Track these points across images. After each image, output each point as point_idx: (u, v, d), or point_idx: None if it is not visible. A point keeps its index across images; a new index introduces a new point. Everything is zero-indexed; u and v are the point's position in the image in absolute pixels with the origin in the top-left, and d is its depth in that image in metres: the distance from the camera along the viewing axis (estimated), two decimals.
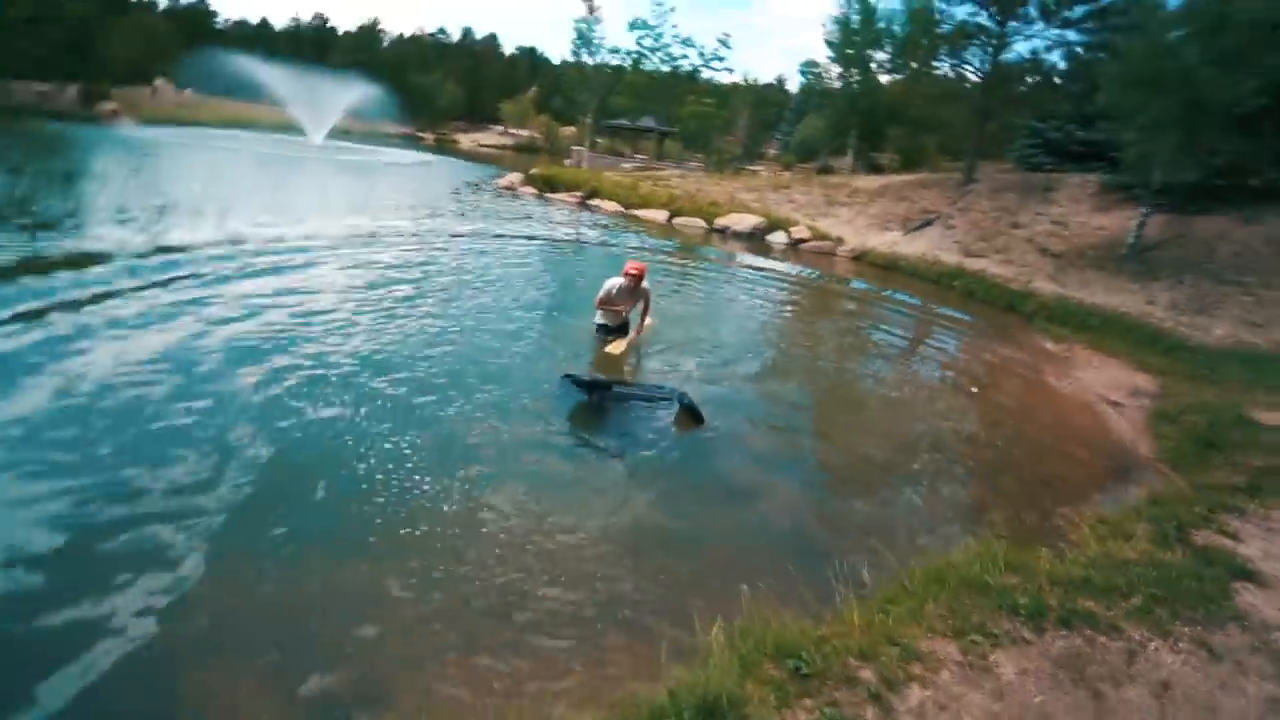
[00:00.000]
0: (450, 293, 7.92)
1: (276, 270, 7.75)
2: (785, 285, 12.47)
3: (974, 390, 6.91)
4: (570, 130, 69.92)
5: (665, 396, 5.37)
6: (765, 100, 38.91)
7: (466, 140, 71.91)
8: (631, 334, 6.33)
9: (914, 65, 22.24)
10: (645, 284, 6.21)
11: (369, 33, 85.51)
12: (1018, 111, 21.71)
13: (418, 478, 3.72)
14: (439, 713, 2.26)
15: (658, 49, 25.96)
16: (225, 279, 7.10)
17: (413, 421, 4.41)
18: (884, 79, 25.88)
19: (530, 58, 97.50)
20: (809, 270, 14.58)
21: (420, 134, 68.21)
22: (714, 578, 3.27)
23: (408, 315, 6.74)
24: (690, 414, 5.18)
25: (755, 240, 18.12)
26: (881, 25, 24.50)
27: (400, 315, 6.69)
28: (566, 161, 37.41)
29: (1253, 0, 10.94)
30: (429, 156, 38.54)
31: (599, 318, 6.33)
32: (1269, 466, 5.12)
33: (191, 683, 2.30)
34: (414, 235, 11.74)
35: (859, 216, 19.83)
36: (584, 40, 25.35)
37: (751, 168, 35.51)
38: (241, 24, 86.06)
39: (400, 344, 5.88)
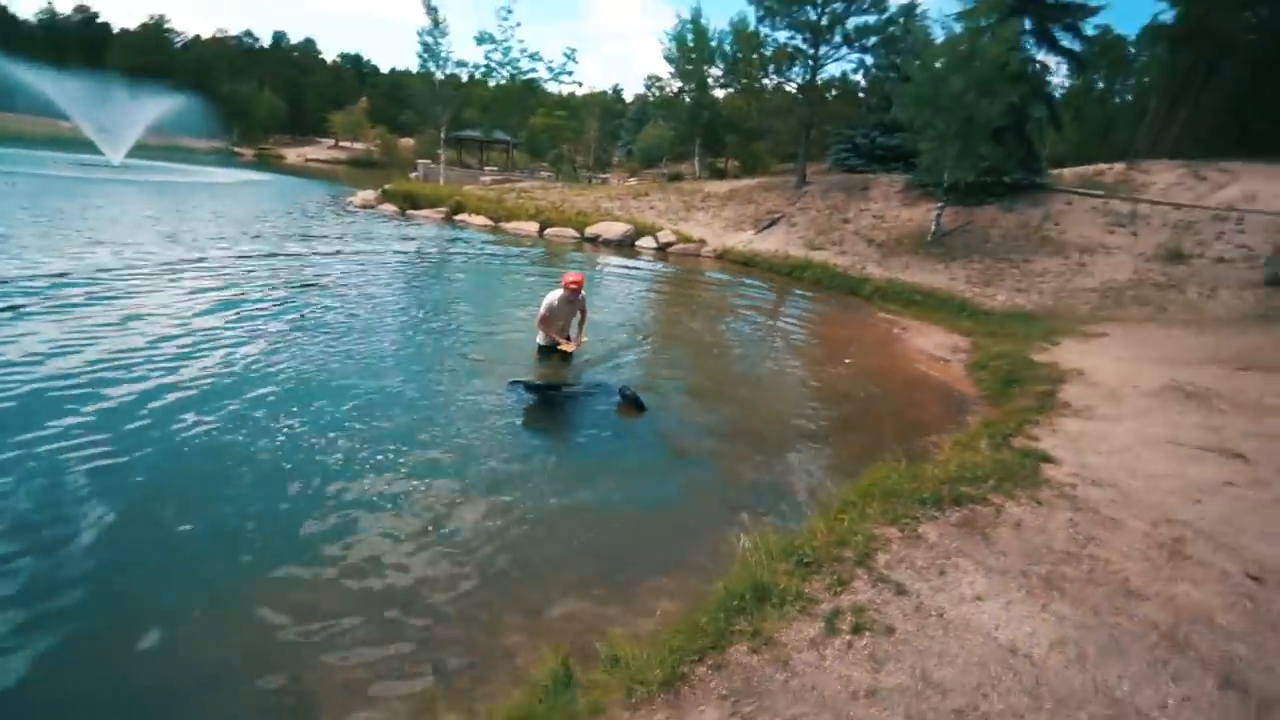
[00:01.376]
0: (360, 317, 7.94)
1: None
2: (669, 283, 13.68)
3: (847, 361, 8.43)
4: (408, 142, 67.05)
5: (609, 390, 6.08)
6: (610, 110, 40.49)
7: (293, 155, 65.88)
8: (577, 336, 6.48)
9: (745, 81, 24.78)
10: (582, 294, 6.25)
11: (155, 32, 74.87)
12: (832, 121, 25.22)
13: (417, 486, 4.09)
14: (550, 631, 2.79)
15: (506, 63, 26.26)
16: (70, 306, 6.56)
17: (381, 439, 4.69)
18: (719, 93, 28.40)
19: (356, 66, 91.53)
20: (682, 270, 15.95)
21: (237, 149, 61.38)
22: (701, 521, 4.06)
23: (339, 340, 6.77)
24: (633, 404, 5.92)
25: (625, 246, 19.19)
26: (713, 44, 27.02)
27: (332, 341, 6.71)
28: (412, 175, 36.15)
29: (992, 44, 14.21)
30: (257, 175, 35.10)
31: (540, 338, 6.34)
32: (1045, 391, 7.01)
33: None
34: (288, 258, 11.17)
35: (715, 219, 21.77)
36: (430, 52, 24.86)
37: (602, 176, 36.92)
38: None
39: (342, 365, 5.98)
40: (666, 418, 5.80)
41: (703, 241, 19.56)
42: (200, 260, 10.33)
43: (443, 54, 25.19)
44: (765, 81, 23.12)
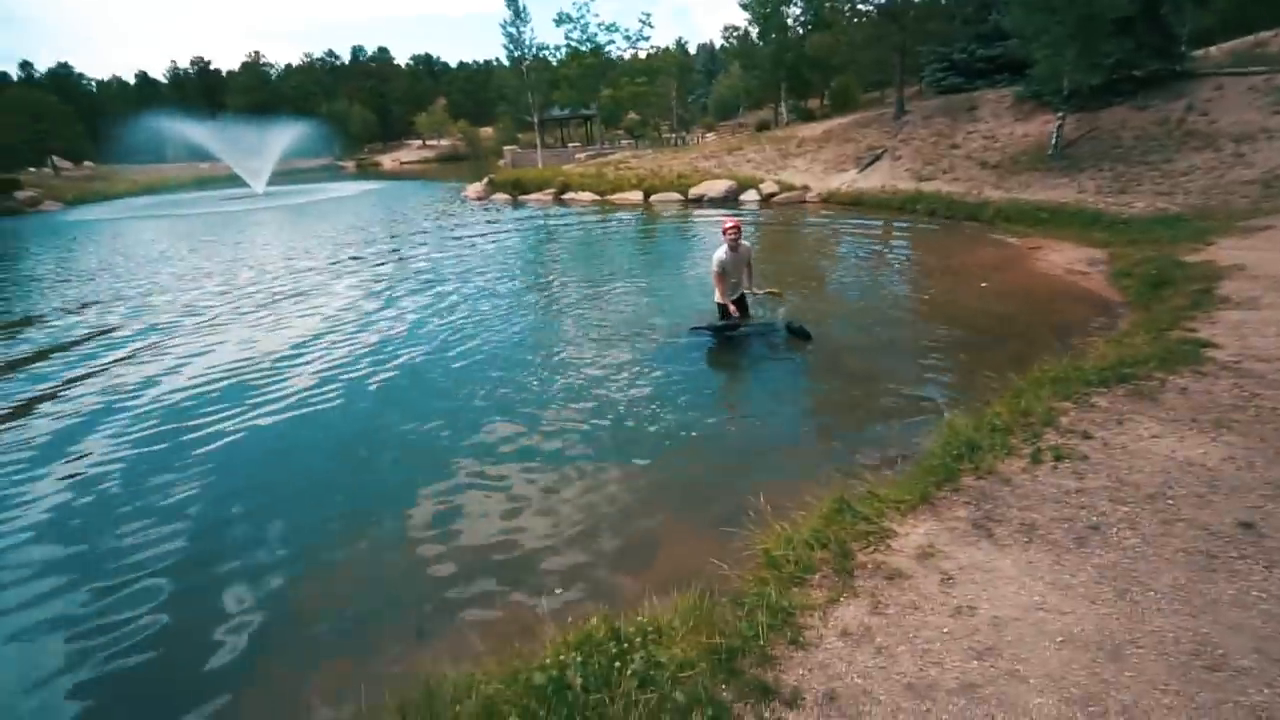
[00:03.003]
0: (551, 295, 9.52)
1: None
2: (783, 230, 14.31)
3: (983, 284, 8.86)
4: (488, 131, 70.00)
5: (775, 327, 7.05)
6: (684, 68, 40.32)
7: (388, 161, 70.85)
8: (751, 286, 6.93)
9: (830, 14, 24.04)
10: (744, 241, 6.60)
11: (256, 68, 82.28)
12: (926, 41, 23.99)
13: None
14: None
15: (585, 40, 27.04)
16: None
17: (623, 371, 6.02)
18: (801, 32, 27.65)
19: (429, 66, 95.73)
20: (791, 216, 16.42)
21: (340, 162, 66.89)
22: (890, 414, 5.00)
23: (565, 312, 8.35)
24: (799, 334, 6.86)
25: (730, 202, 19.82)
26: None
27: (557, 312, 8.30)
28: (501, 162, 38.25)
29: None
30: (369, 184, 38.58)
31: (719, 296, 6.64)
32: (1201, 289, 7.17)
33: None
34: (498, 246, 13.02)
35: (814, 164, 21.74)
36: (514, 41, 26.18)
37: (686, 135, 37.08)
38: (116, 82, 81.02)
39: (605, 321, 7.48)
40: (830, 342, 6.72)
41: (805, 188, 19.74)
42: (386, 258, 12.37)
43: (527, 41, 26.38)
44: (850, 11, 22.36)
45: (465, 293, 9.79)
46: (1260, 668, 2.04)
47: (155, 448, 5.24)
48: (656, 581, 3.19)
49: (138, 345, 8.15)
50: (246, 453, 5.10)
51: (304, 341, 7.78)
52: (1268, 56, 17.52)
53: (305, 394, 6.16)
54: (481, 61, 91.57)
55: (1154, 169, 13.93)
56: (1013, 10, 15.23)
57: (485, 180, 25.75)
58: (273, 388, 6.35)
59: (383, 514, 4.09)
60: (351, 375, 6.59)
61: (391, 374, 6.57)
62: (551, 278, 10.90)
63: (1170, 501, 2.89)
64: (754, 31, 28.77)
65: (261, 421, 5.61)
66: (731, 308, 6.65)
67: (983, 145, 18.11)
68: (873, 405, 5.21)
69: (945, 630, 2.29)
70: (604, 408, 5.40)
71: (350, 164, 66.96)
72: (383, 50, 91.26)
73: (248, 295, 10.41)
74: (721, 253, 6.62)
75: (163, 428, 5.61)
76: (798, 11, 26.16)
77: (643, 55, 34.04)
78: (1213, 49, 19.70)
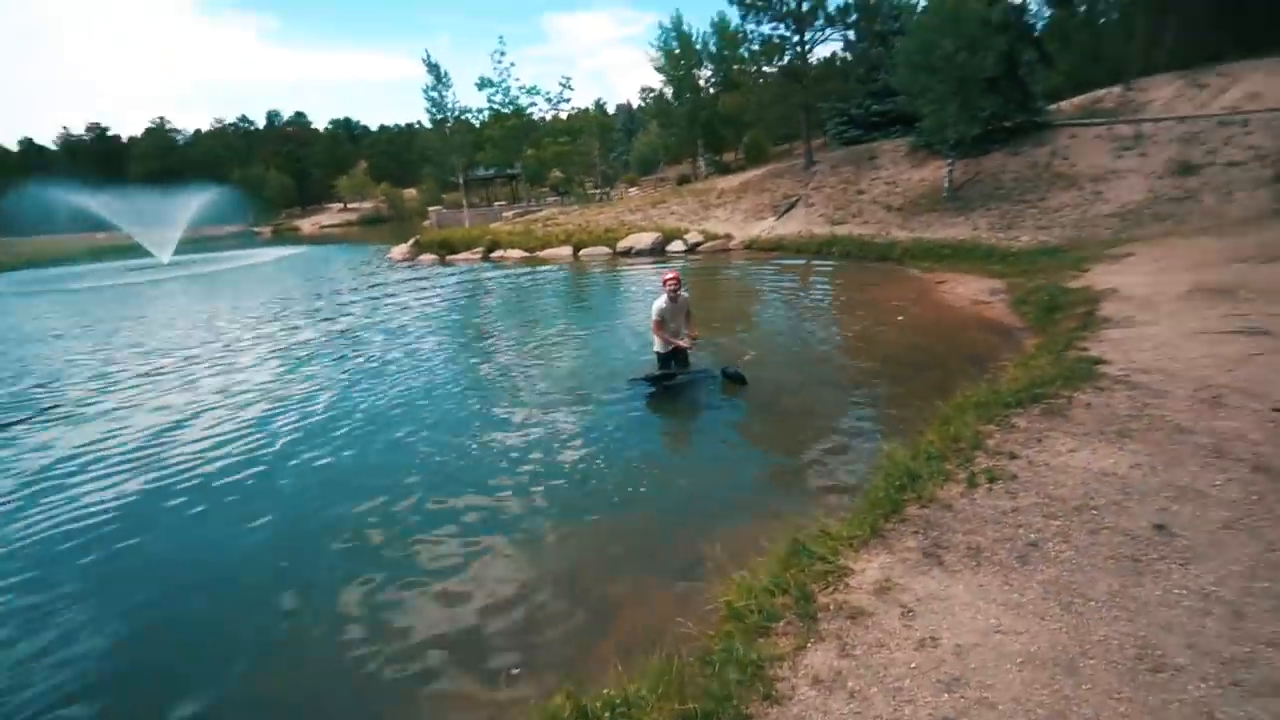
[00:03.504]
0: (482, 354, 9.34)
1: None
2: (710, 278, 14.81)
3: (899, 318, 9.44)
4: (411, 193, 69.70)
5: (711, 374, 7.20)
6: (606, 127, 41.98)
7: (307, 225, 68.83)
8: (690, 330, 7.00)
9: (737, 77, 25.82)
10: (683, 292, 6.77)
11: (160, 134, 79.02)
12: (826, 98, 26.15)
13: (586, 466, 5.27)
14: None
15: (507, 102, 27.73)
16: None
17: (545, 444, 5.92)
18: (712, 92, 29.49)
19: (348, 129, 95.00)
20: (717, 264, 17.06)
21: (255, 229, 64.38)
22: (825, 454, 5.15)
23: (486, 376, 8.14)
24: (734, 379, 7.04)
25: (657, 253, 20.39)
26: (699, 46, 28.20)
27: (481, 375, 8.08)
28: (426, 223, 38.02)
29: (974, 2, 15.10)
30: (287, 250, 37.20)
31: (658, 345, 6.81)
32: (1085, 311, 7.93)
33: None
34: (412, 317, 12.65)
35: (734, 213, 22.83)
36: (436, 105, 26.51)
37: (610, 191, 38.27)
38: None
39: (494, 390, 7.29)
40: (766, 384, 6.90)
41: (729, 236, 20.63)
42: (307, 326, 11.84)
43: (449, 104, 26.76)
44: (756, 73, 24.12)
45: (394, 357, 9.47)
46: (1194, 663, 2.17)
47: (35, 556, 4.65)
48: (619, 647, 3.07)
49: (22, 439, 7.31)
50: (151, 557, 4.59)
51: (219, 422, 7.22)
52: (1105, 110, 20.21)
53: (221, 482, 5.66)
54: (403, 124, 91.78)
55: (1032, 206, 15.52)
56: (899, 71, 16.89)
57: (411, 241, 25.41)
58: (180, 478, 5.81)
59: (319, 608, 3.76)
60: (272, 455, 6.15)
61: (317, 451, 6.17)
62: (485, 336, 10.76)
63: (1094, 511, 3.09)
64: (669, 92, 30.45)
65: (166, 519, 5.09)
66: (680, 342, 6.74)
67: (886, 190, 19.65)
68: (812, 443, 5.35)
69: (913, 665, 2.32)
70: (548, 467, 5.28)
71: (266, 230, 64.56)
72: (299, 115, 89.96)
73: (150, 373, 9.63)
74: (661, 302, 6.73)
75: (49, 531, 5.00)
76: (709, 73, 27.93)
77: (564, 116, 35.28)
78: (1063, 104, 22.45)
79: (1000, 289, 10.69)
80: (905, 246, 15.23)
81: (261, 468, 5.84)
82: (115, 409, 7.98)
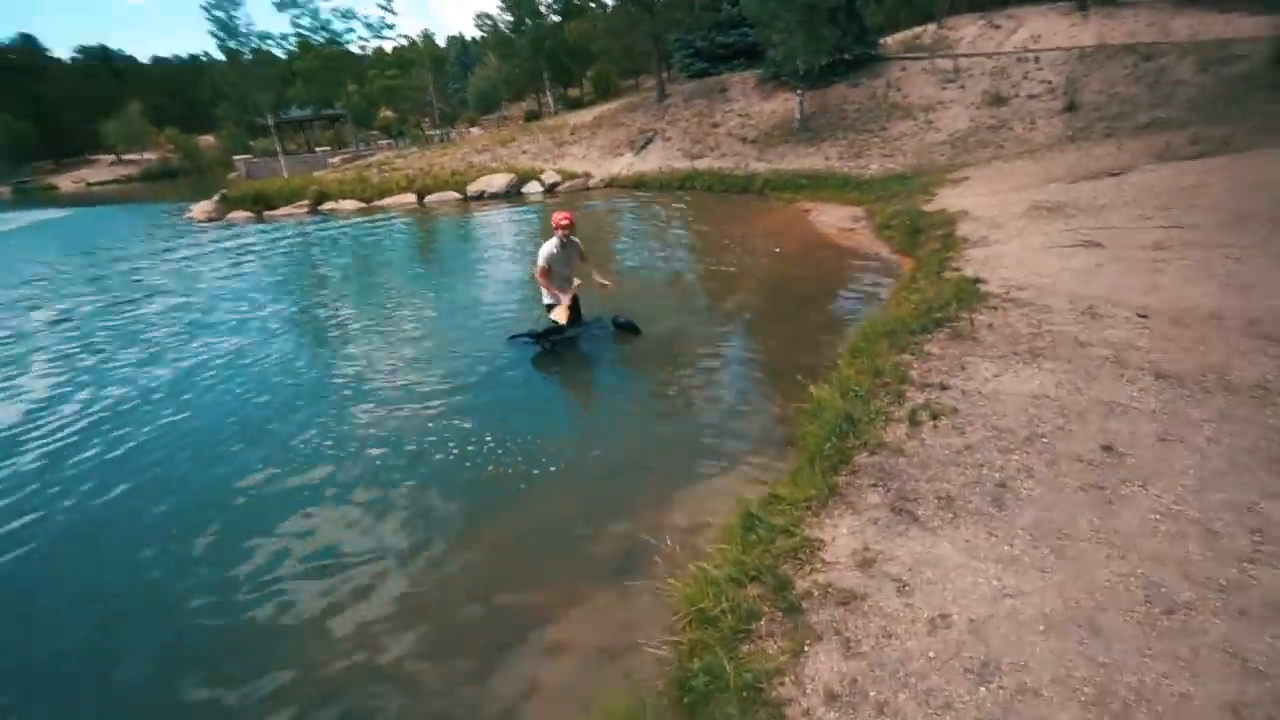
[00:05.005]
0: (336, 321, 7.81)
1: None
2: (588, 216, 13.94)
3: (776, 250, 9.40)
4: (210, 140, 58.94)
5: (601, 324, 6.57)
6: (439, 60, 37.85)
7: (67, 182, 56.01)
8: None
9: (579, 3, 24.14)
10: (574, 236, 5.95)
11: None
12: (673, 29, 25.44)
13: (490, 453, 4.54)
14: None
15: (317, 27, 23.54)
16: None
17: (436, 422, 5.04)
18: (555, 20, 27.46)
19: (105, 61, 76.93)
20: (579, 204, 16.16)
21: None
22: (749, 397, 4.85)
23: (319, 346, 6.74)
24: (626, 328, 6.49)
25: (513, 195, 18.95)
26: None
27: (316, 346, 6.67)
28: (232, 175, 32.35)
29: None
30: (45, 214, 29.72)
31: (546, 296, 5.97)
32: (945, 233, 8.37)
33: None
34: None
35: (590, 150, 21.79)
36: (226, 29, 21.72)
37: (451, 131, 35.00)
38: None
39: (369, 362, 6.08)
40: (658, 331, 6.44)
41: (587, 174, 19.67)
42: (93, 313, 9.33)
43: (241, 28, 22.19)
44: (605, 1, 22.69)
45: (219, 336, 7.66)
46: (1199, 597, 2.07)
47: None
48: (563, 686, 2.49)
49: None
50: None
51: None
52: (924, 46, 21.78)
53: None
54: (185, 56, 76.28)
55: (875, 136, 16.35)
56: (747, 2, 16.61)
57: (216, 197, 21.33)
58: None
59: (151, 656, 2.74)
60: (68, 474, 4.59)
61: (139, 462, 4.70)
62: (330, 302, 9.10)
63: (1044, 440, 3.00)
64: (506, 20, 27.82)
65: None
66: (564, 311, 5.98)
67: (740, 123, 19.70)
68: (723, 390, 5.01)
69: (932, 655, 2.00)
70: (429, 454, 4.40)
71: (4, 190, 51.32)
72: (26, 38, 70.69)
73: None
74: (552, 247, 5.86)
75: None
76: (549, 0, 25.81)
77: (388, 48, 31.06)
78: (889, 39, 23.84)
79: (861, 216, 11.11)
80: (765, 178, 15.41)
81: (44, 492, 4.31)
82: None
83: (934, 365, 4.05)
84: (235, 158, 35.16)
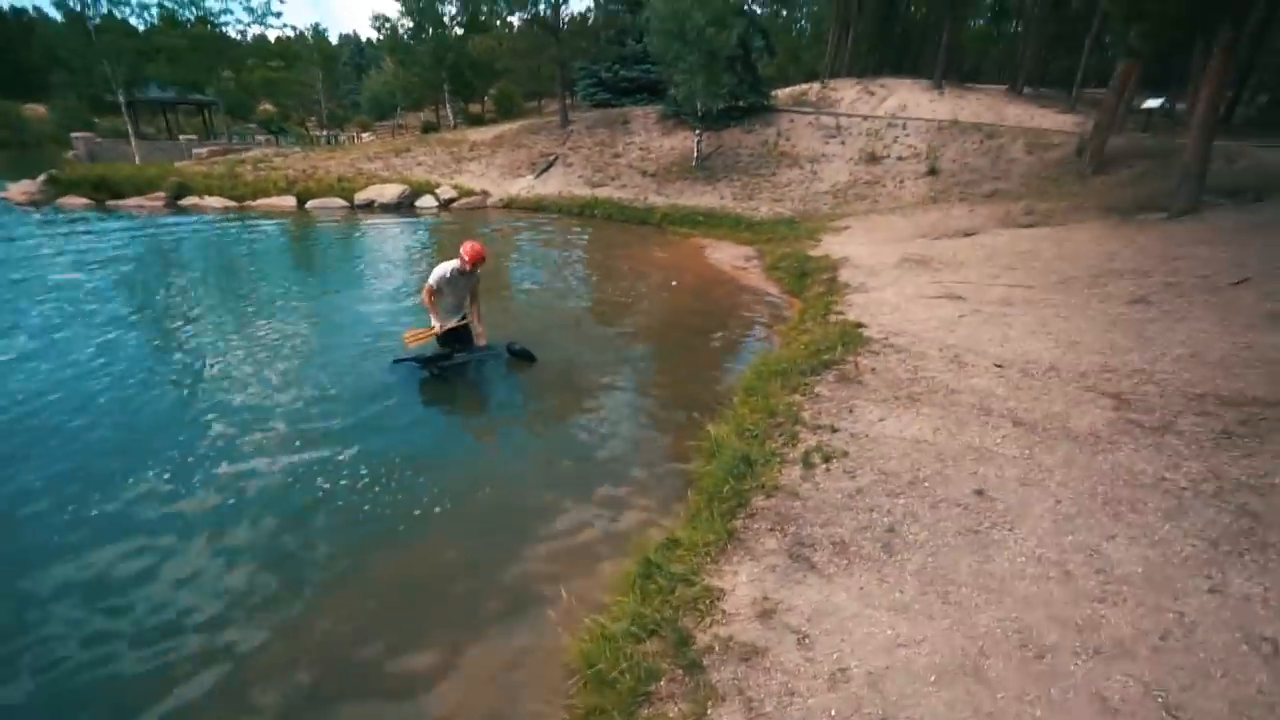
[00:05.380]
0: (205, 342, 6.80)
1: None
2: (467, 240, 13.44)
3: (673, 283, 9.58)
4: (40, 110, 50.96)
5: (495, 351, 6.27)
6: (330, 57, 35.56)
7: None
8: (476, 323, 5.95)
9: (484, 19, 23.81)
10: (479, 271, 5.71)
11: None
12: (579, 57, 25.77)
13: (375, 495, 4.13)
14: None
15: (188, 2, 21.13)
16: None
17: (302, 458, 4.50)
18: (458, 32, 26.84)
19: None
20: (474, 223, 15.67)
21: None
22: (645, 433, 4.79)
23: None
24: (521, 356, 6.24)
25: (405, 208, 18.00)
26: None
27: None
28: (70, 154, 28.18)
29: None
30: None
31: (435, 321, 5.71)
32: (828, 277, 8.97)
33: None
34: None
35: (489, 169, 21.30)
36: None
37: (339, 134, 32.90)
38: None
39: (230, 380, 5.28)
40: (554, 360, 6.25)
41: (485, 193, 19.17)
42: None
43: None
44: (510, 20, 22.51)
45: (41, 343, 6.38)
46: (1061, 638, 2.23)
47: None
48: None
49: None
50: None
51: None
52: (810, 102, 23.71)
53: None
54: (10, 8, 65.60)
55: (766, 180, 17.42)
56: (653, 38, 17.17)
57: (43, 177, 18.25)
58: None
59: None
60: None
61: None
62: (185, 310, 7.88)
63: (926, 484, 3.18)
64: (406, 25, 26.76)
65: None
66: (452, 325, 5.62)
67: (640, 155, 20.19)
68: (619, 424, 4.91)
69: (834, 713, 1.97)
70: (297, 487, 3.89)
71: None
72: None
73: None
74: (447, 270, 5.52)
75: None
76: (453, 10, 25.18)
77: (272, 36, 28.64)
78: (779, 92, 25.75)
79: (753, 255, 11.67)
80: (664, 212, 15.82)
81: None
82: None
83: (824, 407, 4.22)
84: (74, 135, 30.47)
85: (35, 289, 8.62)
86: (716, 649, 2.31)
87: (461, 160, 21.97)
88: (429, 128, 27.59)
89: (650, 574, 2.84)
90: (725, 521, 3.09)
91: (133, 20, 21.10)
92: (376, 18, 24.79)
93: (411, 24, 25.83)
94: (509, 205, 18.61)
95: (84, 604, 2.97)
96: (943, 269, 8.58)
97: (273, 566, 3.26)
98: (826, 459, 3.49)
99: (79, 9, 19.70)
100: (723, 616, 2.48)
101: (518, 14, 22.14)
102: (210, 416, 4.93)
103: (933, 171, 15.76)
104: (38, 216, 15.42)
